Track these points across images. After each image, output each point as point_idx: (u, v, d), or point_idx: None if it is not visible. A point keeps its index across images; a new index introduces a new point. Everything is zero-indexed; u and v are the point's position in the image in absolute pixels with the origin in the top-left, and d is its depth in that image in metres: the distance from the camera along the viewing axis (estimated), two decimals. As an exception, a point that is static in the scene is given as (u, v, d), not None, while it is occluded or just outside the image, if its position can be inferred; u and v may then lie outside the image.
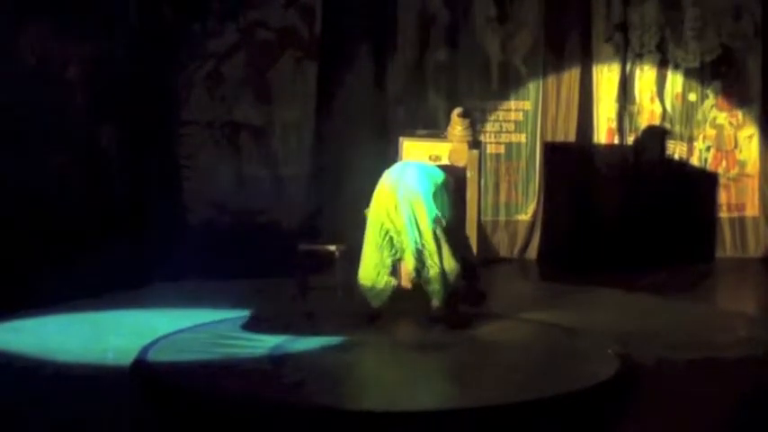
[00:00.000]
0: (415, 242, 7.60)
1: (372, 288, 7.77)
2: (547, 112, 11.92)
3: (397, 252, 7.76)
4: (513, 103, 11.87)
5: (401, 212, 7.62)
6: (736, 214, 11.88)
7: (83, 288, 8.65)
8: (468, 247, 8.31)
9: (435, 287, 7.68)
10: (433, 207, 7.66)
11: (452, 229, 7.77)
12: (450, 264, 7.67)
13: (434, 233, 7.65)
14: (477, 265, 8.38)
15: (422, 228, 7.63)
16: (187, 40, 11.46)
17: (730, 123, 11.92)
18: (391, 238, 7.72)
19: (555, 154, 11.89)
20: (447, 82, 11.72)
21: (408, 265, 7.76)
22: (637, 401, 6.34)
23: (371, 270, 7.76)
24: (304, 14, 11.61)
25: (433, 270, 7.65)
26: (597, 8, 11.92)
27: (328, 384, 6.45)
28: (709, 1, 11.85)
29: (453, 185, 8.07)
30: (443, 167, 8.26)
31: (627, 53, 11.93)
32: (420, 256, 7.63)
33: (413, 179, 7.73)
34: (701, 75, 11.91)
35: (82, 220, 10.12)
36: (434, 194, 7.72)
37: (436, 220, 7.64)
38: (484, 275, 8.96)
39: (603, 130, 12.00)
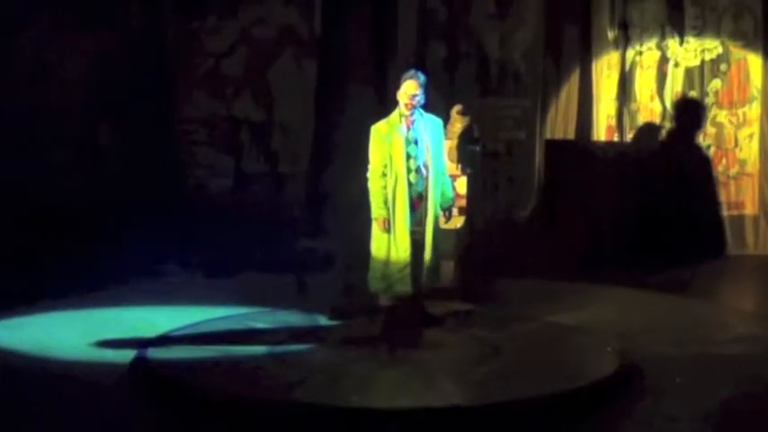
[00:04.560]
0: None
1: (386, 266, 7.51)
2: (546, 110, 11.92)
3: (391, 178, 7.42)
4: (512, 100, 11.85)
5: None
6: (735, 212, 11.88)
7: (82, 285, 8.66)
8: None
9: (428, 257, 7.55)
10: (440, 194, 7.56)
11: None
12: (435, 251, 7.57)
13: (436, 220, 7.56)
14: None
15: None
16: (187, 37, 11.46)
17: (730, 122, 11.92)
18: (385, 167, 7.42)
19: (554, 151, 11.88)
20: (446, 79, 11.71)
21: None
22: (636, 398, 6.34)
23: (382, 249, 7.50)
24: (304, 12, 11.62)
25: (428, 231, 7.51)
26: (597, 5, 11.92)
27: (328, 382, 6.45)
28: (710, -1, 11.86)
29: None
30: None
31: (627, 51, 11.94)
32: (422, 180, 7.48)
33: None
34: (702, 73, 11.91)
35: (81, 217, 10.13)
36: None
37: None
38: (482, 273, 8.99)
39: (603, 127, 12.01)
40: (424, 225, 7.52)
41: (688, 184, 11.82)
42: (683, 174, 11.85)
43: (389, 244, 7.46)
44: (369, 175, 7.51)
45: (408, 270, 7.46)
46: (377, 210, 7.44)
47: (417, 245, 7.49)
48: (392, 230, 7.45)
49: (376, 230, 7.51)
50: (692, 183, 11.83)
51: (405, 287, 7.50)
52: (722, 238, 11.82)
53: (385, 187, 7.44)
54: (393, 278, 7.48)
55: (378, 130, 7.52)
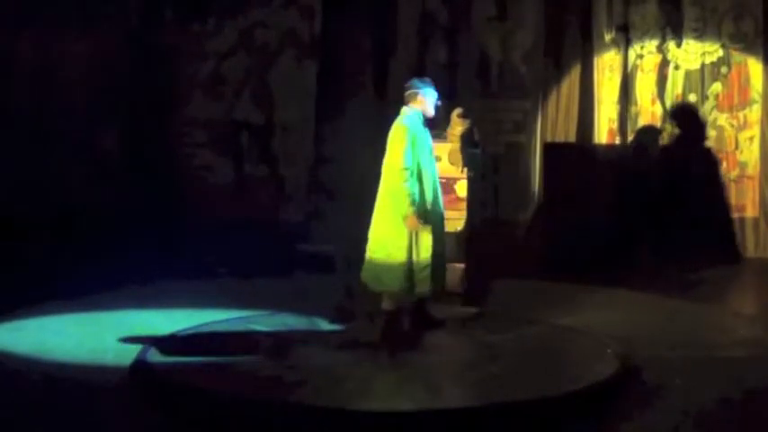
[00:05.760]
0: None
1: (388, 265, 7.50)
2: (547, 113, 11.91)
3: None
4: (512, 103, 11.84)
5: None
6: (736, 215, 11.87)
7: (83, 287, 8.65)
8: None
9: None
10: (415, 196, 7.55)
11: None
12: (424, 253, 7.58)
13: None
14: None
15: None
16: (187, 39, 11.46)
17: (731, 125, 11.91)
18: (418, 164, 7.50)
19: (555, 154, 11.88)
20: (446, 81, 11.69)
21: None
22: (637, 401, 6.34)
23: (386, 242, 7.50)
24: (304, 14, 11.62)
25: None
26: (598, 8, 11.91)
27: (328, 385, 6.44)
28: (710, 1, 11.84)
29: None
30: None
31: (627, 54, 11.93)
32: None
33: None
34: (702, 76, 11.90)
35: (82, 219, 10.13)
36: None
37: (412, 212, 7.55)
38: (483, 276, 8.97)
39: (604, 130, 12.00)
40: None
41: (690, 186, 11.80)
42: (685, 176, 11.83)
43: (411, 244, 7.49)
44: (403, 174, 7.43)
45: (429, 270, 7.52)
46: (411, 207, 7.42)
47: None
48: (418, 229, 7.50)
49: (396, 231, 7.48)
50: (693, 185, 11.82)
51: (425, 287, 7.57)
52: (731, 241, 11.78)
53: (418, 186, 7.51)
54: (416, 278, 7.53)
55: (412, 129, 7.59)
